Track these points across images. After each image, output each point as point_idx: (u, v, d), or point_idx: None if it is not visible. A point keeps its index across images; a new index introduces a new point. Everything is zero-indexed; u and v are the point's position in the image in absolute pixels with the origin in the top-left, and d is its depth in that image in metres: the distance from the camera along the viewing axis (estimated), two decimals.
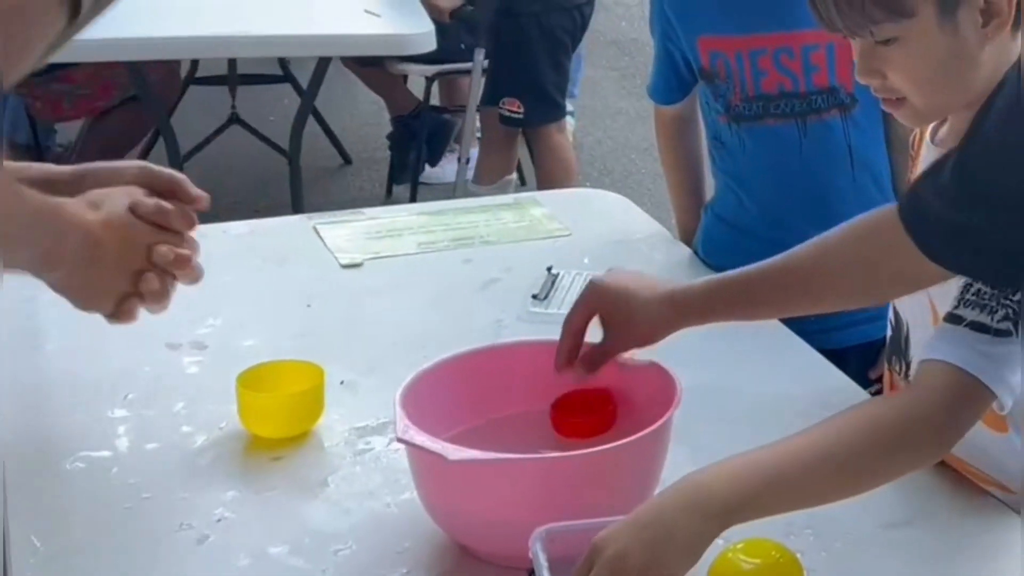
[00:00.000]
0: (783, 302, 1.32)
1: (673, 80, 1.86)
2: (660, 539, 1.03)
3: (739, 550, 1.11)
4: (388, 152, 4.26)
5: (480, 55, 3.49)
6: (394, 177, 4.15)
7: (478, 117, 3.73)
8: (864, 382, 1.72)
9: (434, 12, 3.46)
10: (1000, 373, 1.13)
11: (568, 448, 1.22)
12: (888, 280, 1.24)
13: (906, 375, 1.39)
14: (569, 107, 4.71)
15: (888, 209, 1.21)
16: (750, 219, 1.80)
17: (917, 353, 1.34)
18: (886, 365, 1.45)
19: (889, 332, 1.43)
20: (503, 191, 3.41)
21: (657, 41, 1.87)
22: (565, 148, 3.63)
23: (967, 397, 1.13)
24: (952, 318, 1.17)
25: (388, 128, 4.28)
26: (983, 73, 1.21)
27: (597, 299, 1.31)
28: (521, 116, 3.48)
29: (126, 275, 1.23)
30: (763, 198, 1.79)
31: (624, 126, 4.88)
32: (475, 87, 3.59)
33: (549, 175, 3.58)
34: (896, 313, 1.41)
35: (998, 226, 1.10)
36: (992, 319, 1.14)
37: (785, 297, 1.30)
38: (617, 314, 1.30)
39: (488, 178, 3.62)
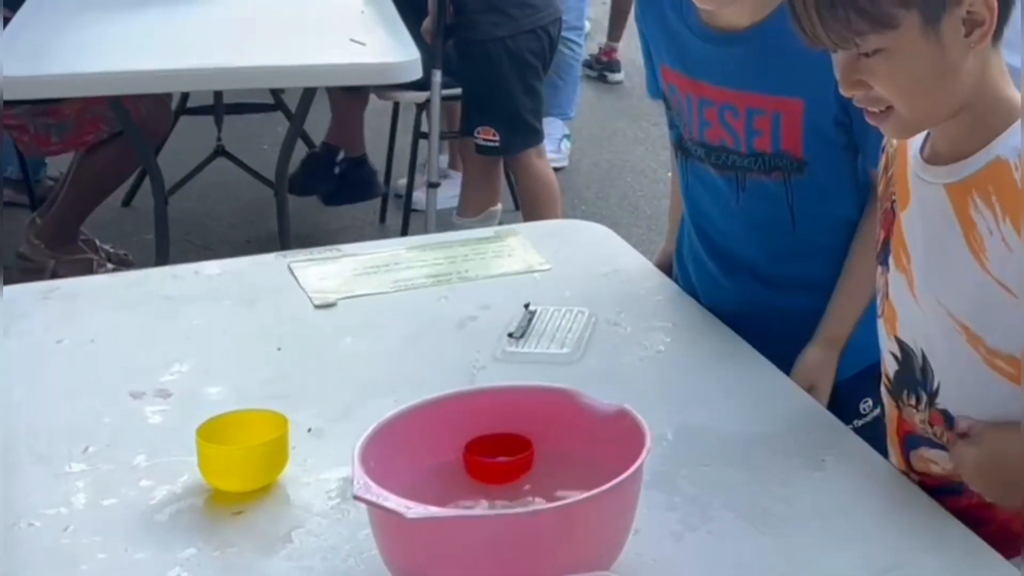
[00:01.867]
0: None
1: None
2: None
3: None
4: (381, 180, 4.21)
5: (437, 76, 3.45)
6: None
7: (459, 148, 3.70)
8: (853, 412, 1.67)
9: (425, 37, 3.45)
10: None
11: (490, 492, 1.20)
12: None
13: (930, 404, 1.34)
14: (565, 129, 4.69)
15: None
16: (696, 243, 1.77)
17: (945, 378, 1.31)
18: (891, 402, 1.40)
19: (894, 367, 1.38)
20: (488, 223, 3.36)
21: (642, 43, 1.82)
22: (546, 172, 3.57)
23: None
24: None
25: (381, 156, 4.24)
26: (966, 83, 1.22)
27: None
28: (497, 144, 3.43)
29: None
30: (704, 231, 1.75)
31: (621, 147, 4.83)
32: (435, 110, 3.55)
33: (533, 201, 3.53)
34: (902, 346, 1.35)
35: None
36: None
37: None
38: None
39: (472, 210, 3.58)
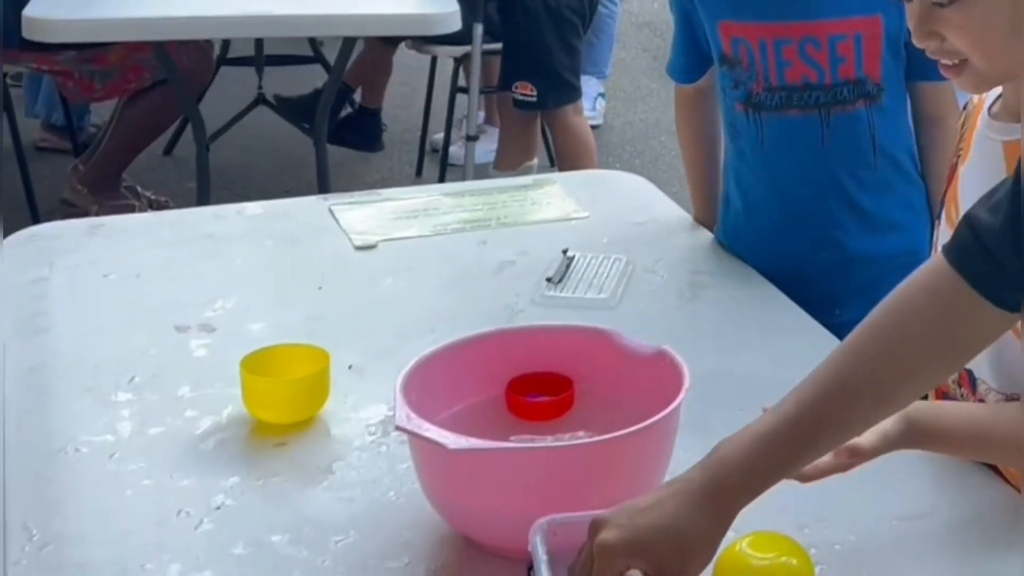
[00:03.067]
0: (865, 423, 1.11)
1: (694, 58, 1.81)
2: (658, 526, 1.00)
3: (747, 544, 1.08)
4: (418, 134, 4.24)
5: (479, 30, 3.46)
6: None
7: (497, 103, 3.70)
8: None
9: None
10: None
11: (529, 429, 1.21)
12: (968, 345, 1.07)
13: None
14: (600, 88, 4.68)
15: (934, 270, 1.07)
16: (766, 205, 1.75)
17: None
18: None
19: None
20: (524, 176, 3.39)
21: (677, 18, 1.82)
22: (583, 128, 3.59)
23: None
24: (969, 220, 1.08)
25: (418, 110, 4.26)
26: None
27: None
28: (535, 99, 3.45)
29: None
30: (779, 187, 1.74)
31: (655, 107, 4.82)
32: (475, 63, 3.56)
33: (569, 157, 3.54)
34: None
35: None
36: None
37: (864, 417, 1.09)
38: None
39: (508, 164, 3.59)
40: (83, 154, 3.81)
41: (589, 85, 4.63)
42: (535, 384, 1.27)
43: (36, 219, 3.52)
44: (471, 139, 3.65)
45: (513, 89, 3.47)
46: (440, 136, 4.13)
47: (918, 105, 1.71)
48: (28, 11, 2.90)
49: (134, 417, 1.37)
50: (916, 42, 1.22)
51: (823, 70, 1.65)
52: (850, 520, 1.21)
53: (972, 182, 1.31)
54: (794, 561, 1.07)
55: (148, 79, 3.54)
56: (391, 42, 3.99)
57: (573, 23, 3.42)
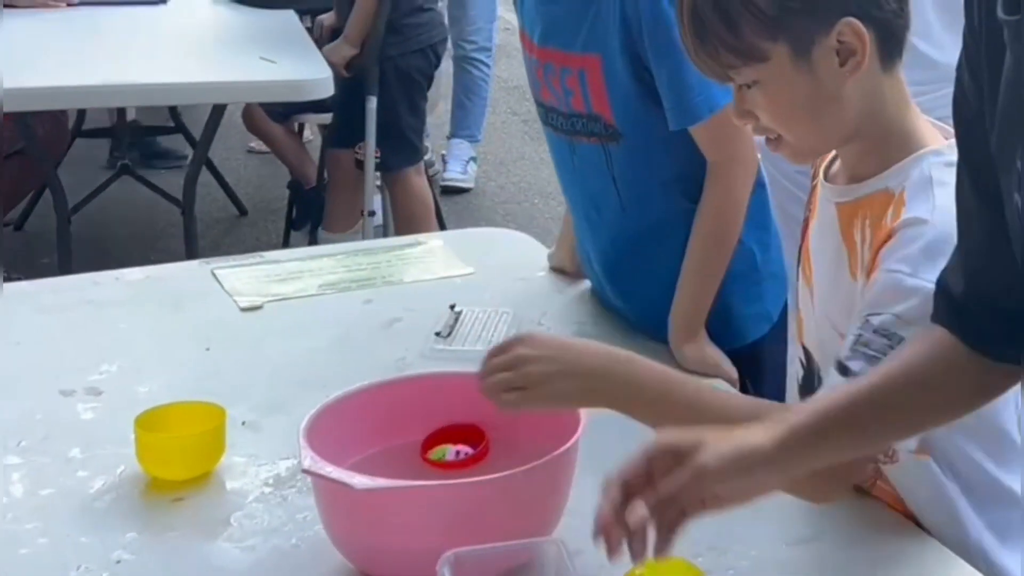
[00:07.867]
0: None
1: None
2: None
3: (647, 569, 1.11)
4: (284, 203, 4.24)
5: (372, 103, 3.44)
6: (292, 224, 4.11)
7: (328, 161, 3.69)
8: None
9: (332, 68, 3.46)
10: None
11: (434, 475, 1.23)
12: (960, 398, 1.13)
13: None
14: (472, 152, 4.75)
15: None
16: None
17: None
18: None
19: (800, 372, 1.43)
20: (356, 237, 3.34)
21: None
22: (424, 190, 3.59)
23: None
24: (841, 368, 1.18)
25: (281, 180, 4.27)
26: (851, 110, 1.23)
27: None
28: (378, 160, 3.44)
29: None
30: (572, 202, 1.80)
31: (527, 170, 4.91)
32: (369, 136, 3.56)
33: (409, 217, 3.53)
34: (807, 352, 1.41)
35: None
36: None
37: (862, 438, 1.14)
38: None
39: (341, 224, 3.58)
40: None
41: (461, 148, 4.70)
42: (448, 435, 1.29)
43: None
44: (371, 214, 3.55)
45: (356, 150, 3.44)
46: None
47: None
48: None
49: (25, 479, 1.36)
50: (736, 120, 1.27)
51: (560, 98, 1.66)
52: (743, 546, 1.26)
53: (816, 238, 1.37)
54: None
55: (4, 150, 3.48)
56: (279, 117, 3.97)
57: (420, 84, 3.45)
